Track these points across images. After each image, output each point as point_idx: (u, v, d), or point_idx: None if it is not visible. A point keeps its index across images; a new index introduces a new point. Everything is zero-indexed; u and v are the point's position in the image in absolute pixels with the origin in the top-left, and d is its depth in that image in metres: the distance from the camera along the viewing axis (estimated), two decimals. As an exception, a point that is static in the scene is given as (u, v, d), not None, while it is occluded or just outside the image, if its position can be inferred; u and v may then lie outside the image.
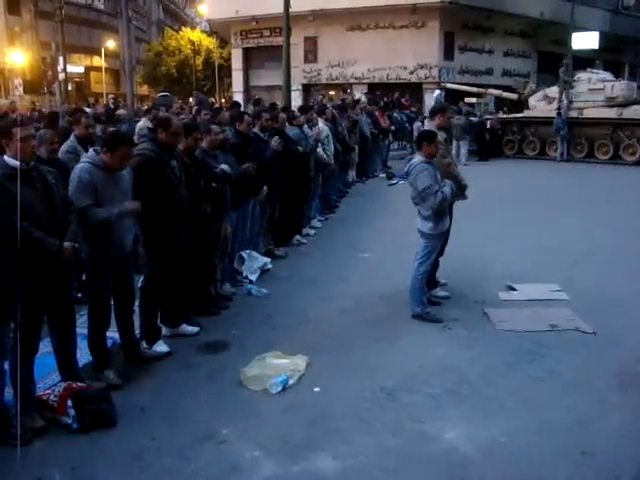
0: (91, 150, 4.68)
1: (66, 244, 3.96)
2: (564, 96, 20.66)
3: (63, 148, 6.44)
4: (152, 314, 5.29)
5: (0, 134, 3.90)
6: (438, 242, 6.01)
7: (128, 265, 4.77)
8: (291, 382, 4.62)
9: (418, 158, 5.91)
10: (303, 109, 10.92)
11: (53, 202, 4.00)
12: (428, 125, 6.61)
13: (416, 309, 5.97)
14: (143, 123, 10.94)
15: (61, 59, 28.91)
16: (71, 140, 6.72)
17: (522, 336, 5.54)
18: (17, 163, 3.82)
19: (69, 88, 33.78)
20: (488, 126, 21.69)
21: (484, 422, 4.12)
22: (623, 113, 19.46)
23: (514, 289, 6.75)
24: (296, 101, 25.93)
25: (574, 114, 20.39)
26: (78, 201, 4.30)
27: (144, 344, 5.17)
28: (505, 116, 22.28)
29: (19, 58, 33.36)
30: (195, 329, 5.60)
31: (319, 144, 10.06)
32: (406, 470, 3.61)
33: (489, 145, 21.76)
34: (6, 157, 3.86)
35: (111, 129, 5.72)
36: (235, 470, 3.61)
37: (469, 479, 3.53)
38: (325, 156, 10.16)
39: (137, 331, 5.17)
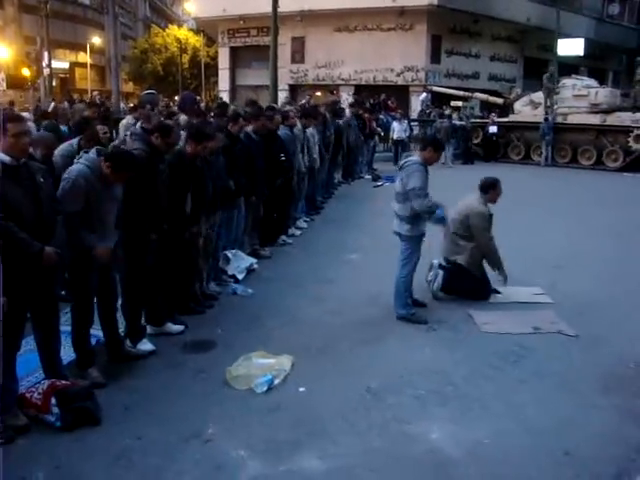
0: (94, 151, 4.56)
1: (48, 249, 3.90)
2: (548, 102, 20.85)
3: (59, 152, 6.02)
4: (135, 313, 5.26)
5: None
6: (418, 244, 5.97)
7: (110, 264, 4.75)
8: (277, 382, 4.62)
9: (416, 158, 5.90)
10: (305, 114, 10.71)
11: (40, 201, 3.95)
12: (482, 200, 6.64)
13: (401, 311, 6.00)
14: (127, 121, 10.92)
15: (46, 54, 28.70)
16: (71, 144, 6.21)
17: (506, 338, 5.59)
18: (7, 158, 3.78)
19: (54, 84, 33.49)
20: (491, 131, 21.79)
21: (468, 423, 4.15)
22: (606, 120, 19.69)
23: (498, 292, 6.79)
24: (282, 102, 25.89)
25: (559, 119, 20.60)
26: (65, 205, 4.28)
27: (128, 342, 5.14)
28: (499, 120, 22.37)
29: (2, 52, 33.02)
30: (180, 328, 5.59)
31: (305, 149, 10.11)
32: (391, 470, 3.63)
33: (488, 149, 21.92)
34: None
35: (121, 148, 5.47)
36: (220, 469, 3.60)
37: (453, 479, 3.56)
38: (304, 168, 10.17)
39: (121, 329, 5.14)
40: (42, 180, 4.02)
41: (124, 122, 11.06)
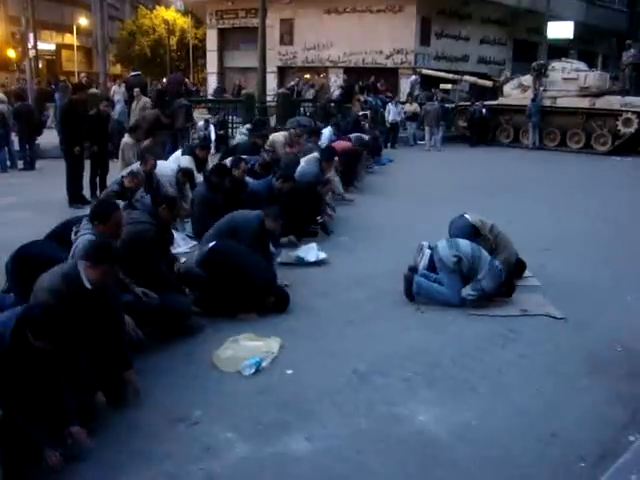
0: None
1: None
2: (538, 85, 20.82)
3: None
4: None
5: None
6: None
7: None
8: (264, 364, 4.62)
9: (499, 264, 5.99)
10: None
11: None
12: None
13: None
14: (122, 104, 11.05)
15: (31, 35, 28.31)
16: None
17: (494, 321, 5.60)
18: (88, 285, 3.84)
19: (40, 66, 33.07)
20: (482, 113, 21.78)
21: (456, 405, 4.17)
22: (595, 103, 19.71)
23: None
24: (271, 84, 25.77)
25: (548, 103, 20.59)
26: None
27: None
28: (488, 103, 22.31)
29: (-13, 33, 32.54)
30: None
31: None
32: (378, 451, 3.64)
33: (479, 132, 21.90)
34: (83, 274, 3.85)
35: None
36: (208, 451, 3.60)
37: (440, 461, 3.57)
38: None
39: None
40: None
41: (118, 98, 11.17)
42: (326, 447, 3.67)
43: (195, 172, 9.11)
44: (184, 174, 8.61)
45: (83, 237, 4.43)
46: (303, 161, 10.04)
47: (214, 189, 7.70)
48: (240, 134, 14.44)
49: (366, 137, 14.40)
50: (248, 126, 14.41)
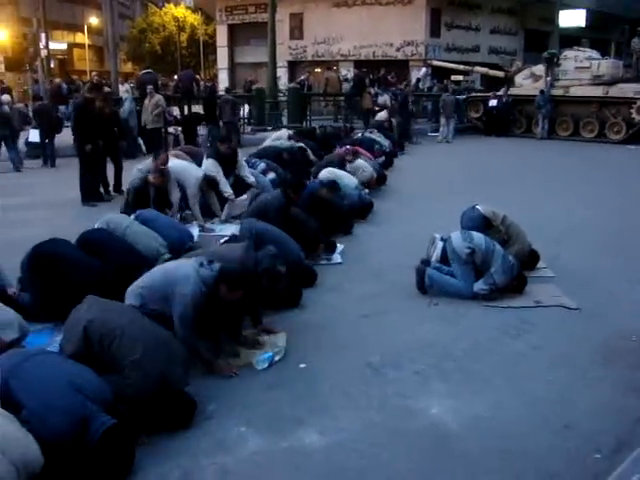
0: (209, 269, 4.45)
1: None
2: (549, 74, 20.64)
3: None
4: None
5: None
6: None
7: None
8: (277, 358, 4.62)
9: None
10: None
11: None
12: None
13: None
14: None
15: (43, 35, 28.51)
16: None
17: (507, 312, 5.58)
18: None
19: (52, 65, 33.24)
20: (490, 105, 21.54)
21: (469, 397, 4.16)
22: (609, 91, 19.51)
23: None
24: (282, 78, 25.78)
25: (560, 92, 20.41)
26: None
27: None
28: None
29: None
30: None
31: None
32: (391, 444, 3.64)
33: (489, 123, 21.74)
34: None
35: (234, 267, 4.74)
36: (222, 445, 3.62)
37: (453, 453, 3.56)
38: None
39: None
40: None
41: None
42: (339, 441, 3.67)
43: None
44: (208, 182, 8.43)
45: (187, 273, 4.36)
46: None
47: (289, 200, 7.18)
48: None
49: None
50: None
